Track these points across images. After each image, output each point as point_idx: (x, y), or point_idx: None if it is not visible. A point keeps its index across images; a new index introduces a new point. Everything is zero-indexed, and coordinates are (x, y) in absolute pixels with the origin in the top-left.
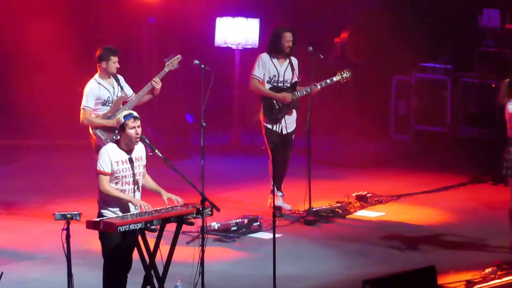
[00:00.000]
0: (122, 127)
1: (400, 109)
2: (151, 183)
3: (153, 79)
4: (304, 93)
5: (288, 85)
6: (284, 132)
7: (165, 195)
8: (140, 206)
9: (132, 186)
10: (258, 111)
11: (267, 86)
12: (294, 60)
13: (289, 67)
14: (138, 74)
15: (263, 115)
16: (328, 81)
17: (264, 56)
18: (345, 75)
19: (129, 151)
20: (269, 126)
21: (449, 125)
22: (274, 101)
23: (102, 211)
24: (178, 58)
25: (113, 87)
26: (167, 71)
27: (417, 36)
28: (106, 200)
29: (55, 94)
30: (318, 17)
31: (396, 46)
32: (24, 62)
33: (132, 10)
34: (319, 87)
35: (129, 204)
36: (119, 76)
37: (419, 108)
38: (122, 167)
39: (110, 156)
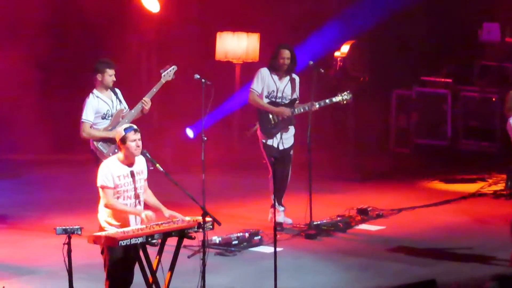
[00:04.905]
0: (122, 140)
1: (401, 122)
2: (152, 199)
3: (143, 99)
4: (302, 110)
5: (287, 101)
6: (281, 147)
7: (166, 212)
8: (146, 216)
9: (133, 200)
10: (254, 124)
11: (265, 100)
12: (296, 78)
13: (289, 84)
14: (138, 89)
15: (259, 129)
16: (327, 101)
17: (264, 70)
18: (345, 96)
19: (129, 164)
20: (266, 141)
21: (450, 138)
22: (270, 116)
23: (103, 225)
24: (174, 69)
25: (112, 100)
26: (164, 82)
27: (417, 50)
28: (108, 214)
29: (54, 107)
30: (318, 32)
31: (397, 60)
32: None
33: (132, 25)
34: (317, 106)
35: (130, 217)
36: (117, 90)
37: (419, 122)
38: (123, 181)
39: (111, 171)
